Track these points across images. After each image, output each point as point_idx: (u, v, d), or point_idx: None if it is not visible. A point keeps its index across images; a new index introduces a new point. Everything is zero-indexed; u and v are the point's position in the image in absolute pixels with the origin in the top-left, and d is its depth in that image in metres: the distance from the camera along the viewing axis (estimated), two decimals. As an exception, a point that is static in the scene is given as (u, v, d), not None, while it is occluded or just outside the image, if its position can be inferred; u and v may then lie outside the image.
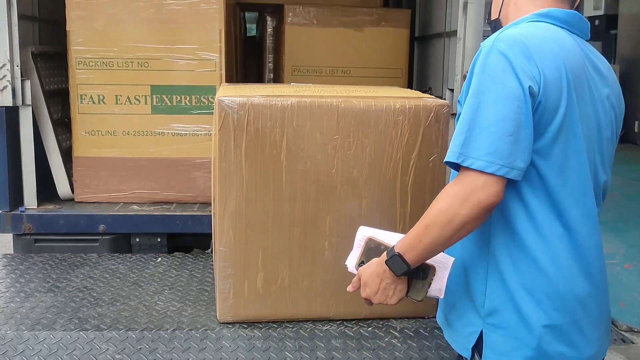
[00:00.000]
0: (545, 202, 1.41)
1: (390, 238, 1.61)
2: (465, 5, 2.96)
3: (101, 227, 2.98)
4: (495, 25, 1.64)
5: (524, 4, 1.54)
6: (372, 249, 1.62)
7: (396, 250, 1.48)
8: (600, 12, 10.68)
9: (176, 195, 3.19)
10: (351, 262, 1.67)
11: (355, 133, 2.17)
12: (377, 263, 1.54)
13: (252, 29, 5.61)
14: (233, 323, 2.27)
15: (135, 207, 3.11)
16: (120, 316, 2.32)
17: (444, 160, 1.42)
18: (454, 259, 1.55)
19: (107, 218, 3.00)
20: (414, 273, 1.53)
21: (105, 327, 2.23)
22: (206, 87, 3.10)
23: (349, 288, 1.64)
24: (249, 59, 5.13)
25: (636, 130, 9.54)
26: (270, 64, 4.39)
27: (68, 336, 2.17)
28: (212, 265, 2.83)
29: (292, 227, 2.23)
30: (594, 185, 1.47)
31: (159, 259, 2.94)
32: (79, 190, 3.16)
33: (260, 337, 2.20)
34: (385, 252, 1.52)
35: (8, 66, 2.84)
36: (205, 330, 2.23)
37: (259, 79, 4.62)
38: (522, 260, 1.43)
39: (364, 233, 1.67)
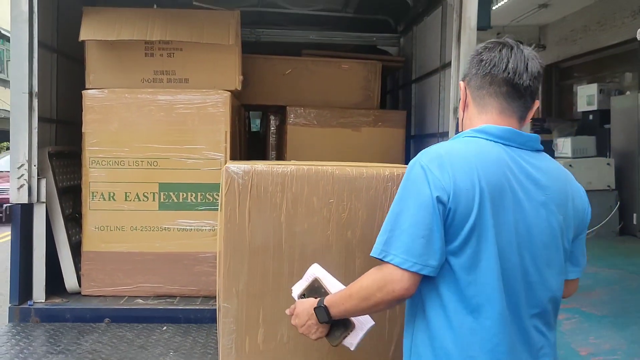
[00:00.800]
0: (457, 296, 1.57)
1: (333, 286, 1.88)
2: (455, 109, 3.18)
3: (106, 320, 3.07)
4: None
5: (473, 119, 1.75)
6: (315, 289, 1.90)
7: (324, 303, 1.75)
8: (594, 108, 11.00)
9: (179, 289, 3.29)
10: (296, 290, 1.95)
11: (348, 197, 2.32)
12: (311, 304, 1.80)
13: (256, 125, 5.86)
14: None
15: (140, 300, 3.20)
16: None
17: (370, 254, 1.61)
18: (373, 323, 1.82)
19: (111, 311, 3.09)
20: (336, 322, 1.80)
21: None
22: (211, 185, 3.25)
23: (287, 311, 1.92)
24: (253, 152, 5.33)
25: (635, 222, 9.62)
26: (273, 160, 4.59)
27: None
28: (215, 332, 2.90)
29: (291, 285, 2.32)
30: (524, 287, 1.61)
31: (165, 327, 3.03)
32: (86, 284, 3.27)
33: None
34: (318, 300, 1.79)
35: (26, 166, 3.03)
36: None
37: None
38: (435, 346, 1.59)
39: (314, 271, 1.94)
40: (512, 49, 1.73)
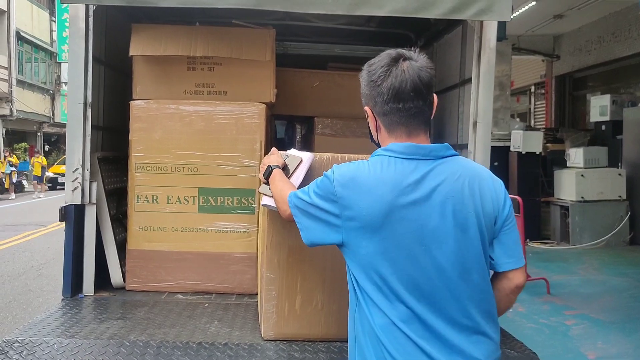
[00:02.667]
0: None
1: (296, 175, 2.54)
2: (474, 124, 3.40)
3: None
4: (377, 144, 2.09)
5: (385, 140, 2.01)
6: (290, 162, 2.58)
7: (273, 169, 2.47)
8: (607, 118, 11.14)
9: (216, 286, 3.53)
10: (290, 153, 2.66)
11: None
12: (275, 159, 2.55)
13: (280, 133, 6.11)
14: (275, 340, 2.70)
15: (179, 296, 3.45)
16: (181, 334, 2.76)
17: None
18: (272, 204, 2.47)
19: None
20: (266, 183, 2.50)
21: (170, 340, 2.66)
22: (247, 190, 3.51)
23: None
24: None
25: (644, 231, 9.77)
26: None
27: (140, 343, 2.63)
28: (252, 307, 3.29)
29: (326, 256, 2.67)
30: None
31: (207, 304, 3.32)
32: (130, 280, 3.53)
33: (298, 350, 2.63)
34: (276, 166, 2.50)
35: (80, 170, 3.30)
36: (251, 344, 2.66)
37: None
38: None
39: (301, 157, 2.61)
40: (405, 66, 1.90)
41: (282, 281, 2.70)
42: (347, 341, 2.05)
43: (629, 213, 10.04)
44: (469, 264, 1.87)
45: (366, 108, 2.03)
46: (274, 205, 2.42)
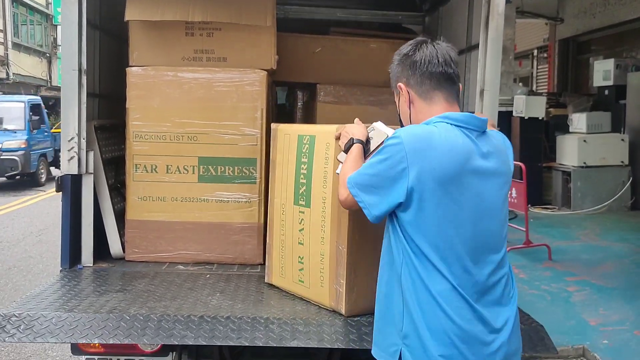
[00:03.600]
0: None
1: (383, 132, 2.32)
2: (482, 92, 3.31)
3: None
4: (402, 124, 2.22)
5: (423, 111, 2.10)
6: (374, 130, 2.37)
7: (355, 143, 2.32)
8: (610, 83, 11.01)
9: (217, 256, 3.48)
10: (372, 127, 2.41)
11: None
12: (359, 131, 2.38)
13: (282, 98, 5.99)
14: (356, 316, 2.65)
15: (180, 267, 3.41)
16: (182, 307, 2.71)
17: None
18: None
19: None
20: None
21: (171, 313, 2.61)
22: (248, 159, 3.43)
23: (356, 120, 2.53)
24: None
25: (646, 198, 9.74)
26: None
27: (140, 317, 2.57)
28: (254, 277, 3.27)
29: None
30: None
31: (208, 275, 3.28)
32: (130, 250, 3.48)
33: (302, 324, 2.60)
34: (359, 140, 2.33)
35: (76, 139, 3.21)
36: (254, 317, 2.61)
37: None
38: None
39: (381, 129, 2.36)
40: (433, 45, 2.09)
41: (355, 256, 2.65)
42: None
43: (631, 178, 10.00)
44: (504, 229, 2.10)
45: (399, 84, 2.14)
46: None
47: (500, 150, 2.08)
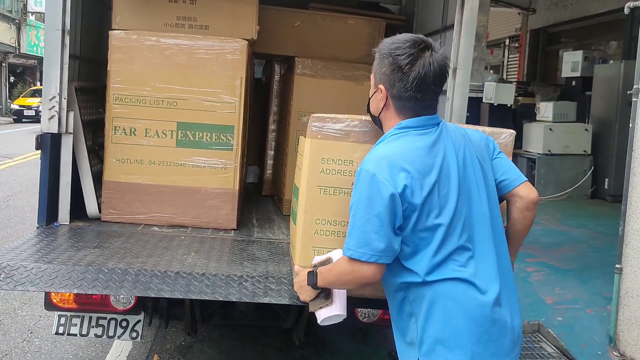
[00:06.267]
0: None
1: (324, 258, 2.32)
2: (454, 70, 3.44)
3: None
4: (376, 121, 2.24)
5: (392, 118, 2.11)
6: (324, 261, 2.29)
7: (317, 269, 2.19)
8: (577, 74, 11.26)
9: (192, 220, 3.56)
10: (314, 260, 2.39)
11: None
12: (300, 278, 2.31)
13: (258, 72, 6.05)
14: None
15: (155, 228, 3.49)
16: (159, 264, 2.79)
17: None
18: (344, 314, 2.26)
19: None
20: (321, 292, 2.25)
21: (148, 269, 2.69)
22: (226, 127, 3.51)
23: (295, 268, 2.50)
24: (256, 98, 5.56)
25: (606, 187, 10.03)
26: (275, 107, 4.84)
27: (118, 270, 2.66)
28: (227, 241, 3.37)
29: None
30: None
31: (183, 237, 3.36)
32: (106, 211, 3.54)
33: (274, 282, 2.73)
34: (316, 267, 2.23)
35: (57, 99, 3.26)
36: (228, 275, 2.70)
37: (264, 119, 5.06)
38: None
39: (334, 254, 2.31)
40: (430, 60, 1.99)
41: None
42: None
43: (592, 167, 10.28)
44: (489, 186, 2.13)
45: (380, 86, 2.09)
46: (338, 311, 2.26)
47: (458, 132, 2.12)
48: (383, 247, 1.91)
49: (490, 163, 2.17)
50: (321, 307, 2.24)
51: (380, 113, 2.15)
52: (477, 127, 2.41)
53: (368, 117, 2.36)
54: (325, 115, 2.51)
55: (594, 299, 5.38)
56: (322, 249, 2.49)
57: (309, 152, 2.50)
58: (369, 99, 2.23)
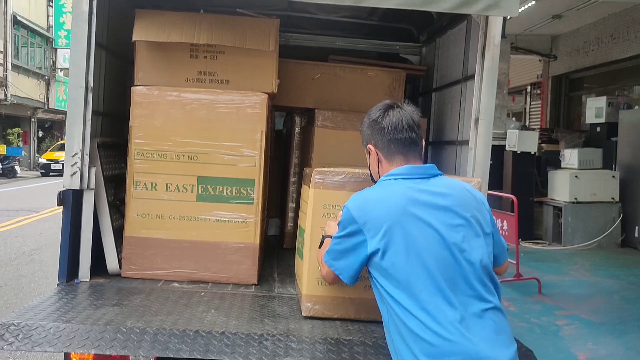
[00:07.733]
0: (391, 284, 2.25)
1: None
2: (476, 120, 3.40)
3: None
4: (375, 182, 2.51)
5: (386, 170, 2.39)
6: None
7: (324, 237, 2.64)
8: (602, 120, 11.18)
9: (212, 275, 3.51)
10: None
11: None
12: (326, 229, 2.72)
13: (279, 124, 6.08)
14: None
15: (176, 284, 3.44)
16: (178, 322, 2.73)
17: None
18: None
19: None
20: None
21: (167, 327, 2.64)
22: (246, 180, 3.49)
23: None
24: (276, 150, 5.56)
25: (636, 235, 9.81)
26: (296, 159, 4.82)
27: (136, 329, 2.61)
28: (248, 297, 3.33)
29: None
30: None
31: (203, 293, 3.30)
32: (126, 267, 3.51)
33: (295, 341, 2.66)
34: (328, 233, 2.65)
35: (79, 155, 3.27)
36: (248, 334, 2.65)
37: (285, 170, 5.04)
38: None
39: None
40: (399, 110, 2.39)
41: None
42: None
43: (621, 215, 10.09)
44: (472, 241, 2.24)
45: (369, 146, 2.46)
46: None
47: (460, 195, 2.28)
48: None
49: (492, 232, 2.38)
50: None
51: (378, 173, 2.43)
52: (453, 176, 2.78)
53: (363, 170, 2.73)
54: (326, 169, 2.93)
55: (630, 355, 5.19)
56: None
57: (313, 200, 2.92)
58: (369, 168, 2.55)
